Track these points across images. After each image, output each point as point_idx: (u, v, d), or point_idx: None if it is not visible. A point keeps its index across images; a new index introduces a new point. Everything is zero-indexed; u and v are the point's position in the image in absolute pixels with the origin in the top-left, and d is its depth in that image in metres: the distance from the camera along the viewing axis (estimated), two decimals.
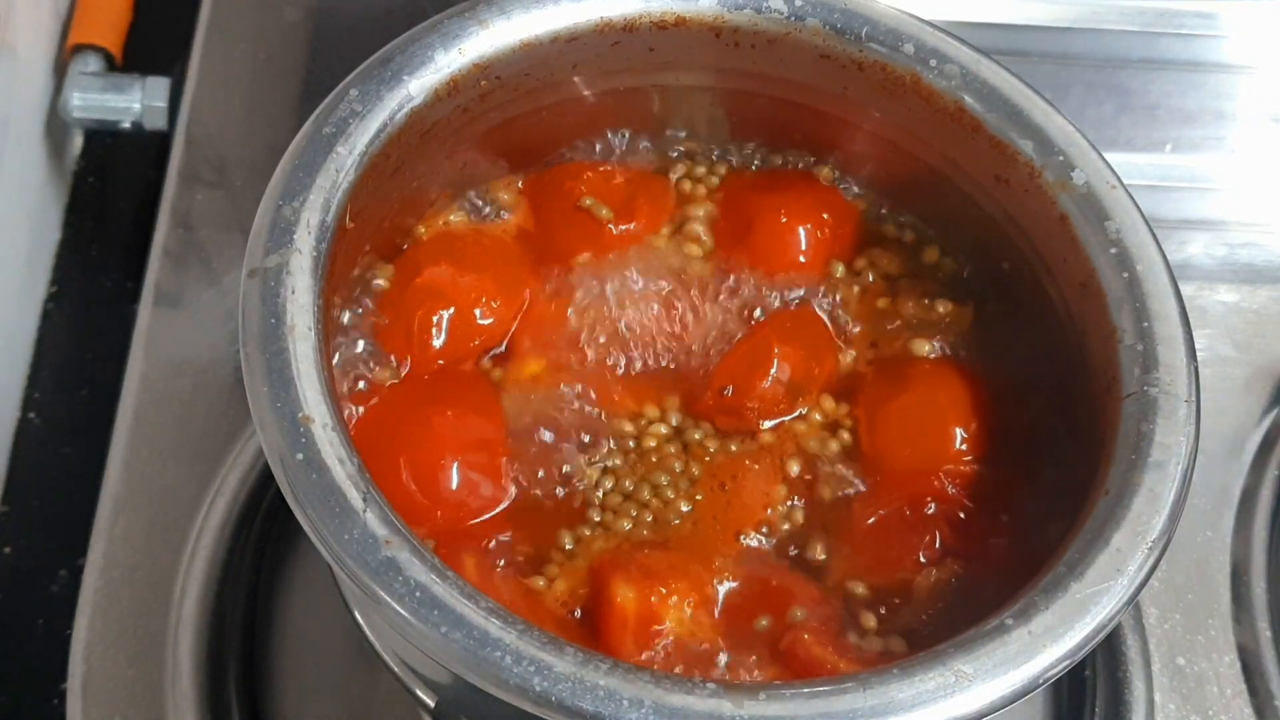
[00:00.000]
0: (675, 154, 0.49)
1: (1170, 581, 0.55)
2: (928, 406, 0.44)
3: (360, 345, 0.43)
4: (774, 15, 0.44)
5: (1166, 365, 0.39)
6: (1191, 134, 0.65)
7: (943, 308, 0.47)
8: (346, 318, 0.43)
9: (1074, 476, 0.40)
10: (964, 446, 0.43)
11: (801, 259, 0.47)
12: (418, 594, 0.33)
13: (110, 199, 0.69)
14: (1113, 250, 0.41)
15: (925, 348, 0.46)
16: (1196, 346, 0.40)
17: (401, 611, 0.33)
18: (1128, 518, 0.36)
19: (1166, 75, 0.65)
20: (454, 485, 0.41)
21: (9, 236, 0.62)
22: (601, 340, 0.45)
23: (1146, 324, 0.39)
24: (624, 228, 0.47)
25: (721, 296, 0.47)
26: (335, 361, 0.42)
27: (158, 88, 0.64)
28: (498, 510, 0.42)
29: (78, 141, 0.70)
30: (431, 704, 0.42)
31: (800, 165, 0.49)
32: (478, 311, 0.44)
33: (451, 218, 0.47)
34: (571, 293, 0.46)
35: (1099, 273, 0.41)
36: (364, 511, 0.34)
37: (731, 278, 0.47)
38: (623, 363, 0.45)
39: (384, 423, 0.41)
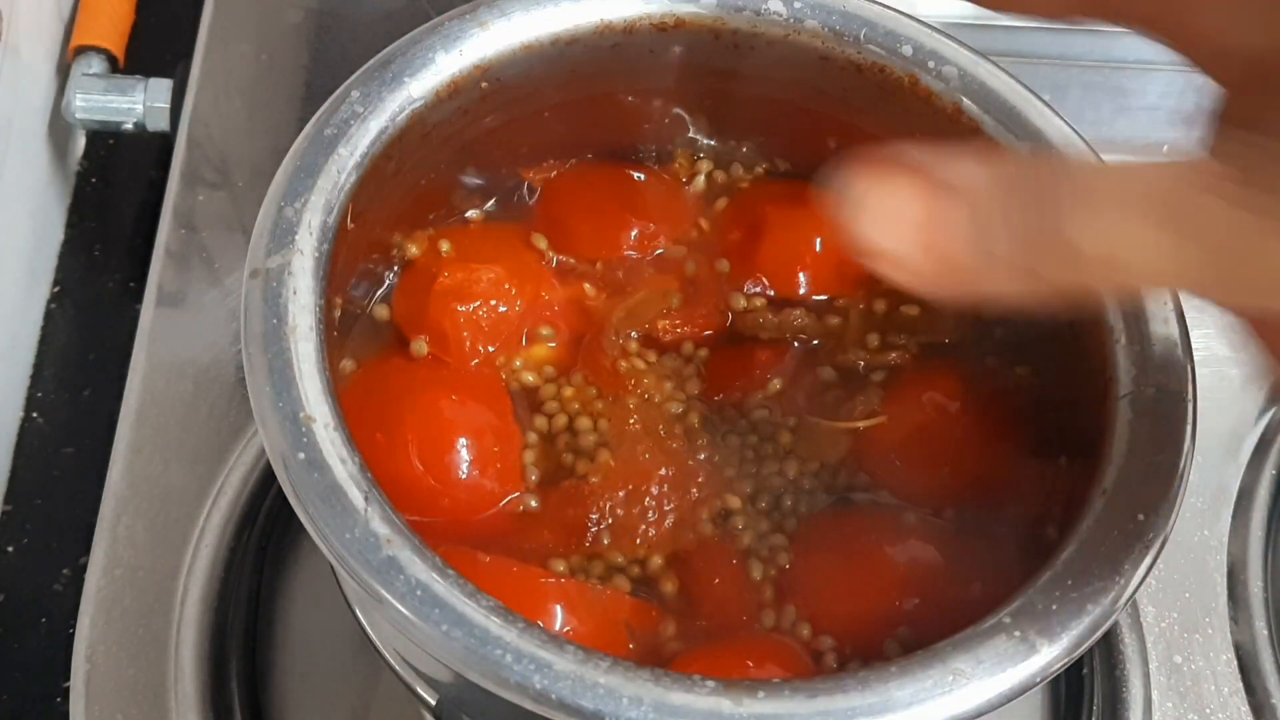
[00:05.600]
0: (675, 157, 0.50)
1: (1167, 580, 0.55)
2: (926, 408, 0.45)
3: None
4: (773, 18, 0.44)
5: (1163, 365, 0.39)
6: (1189, 135, 0.65)
7: (938, 307, 0.47)
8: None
9: (1071, 475, 0.40)
10: (960, 450, 0.43)
11: (805, 268, 0.47)
12: (419, 593, 0.33)
13: (113, 200, 0.69)
14: None
15: (918, 348, 0.46)
16: (1193, 346, 0.40)
17: (403, 610, 0.33)
18: (1124, 517, 0.36)
19: (1165, 76, 0.65)
20: (465, 469, 0.41)
21: (12, 237, 0.62)
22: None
23: (1143, 324, 0.39)
24: (646, 228, 0.47)
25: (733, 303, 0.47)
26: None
27: (160, 89, 0.64)
28: (508, 501, 0.42)
29: (80, 142, 0.70)
30: (432, 702, 0.43)
31: (803, 169, 0.50)
32: (498, 304, 0.44)
33: (461, 216, 0.48)
34: (586, 290, 0.47)
35: None
36: (365, 510, 0.34)
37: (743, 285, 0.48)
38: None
39: (390, 405, 0.42)
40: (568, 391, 0.45)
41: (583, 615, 0.39)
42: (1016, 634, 0.34)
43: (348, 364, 0.44)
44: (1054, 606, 0.35)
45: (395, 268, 0.46)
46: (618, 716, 0.32)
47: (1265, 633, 0.54)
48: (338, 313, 0.42)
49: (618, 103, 0.47)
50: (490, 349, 0.44)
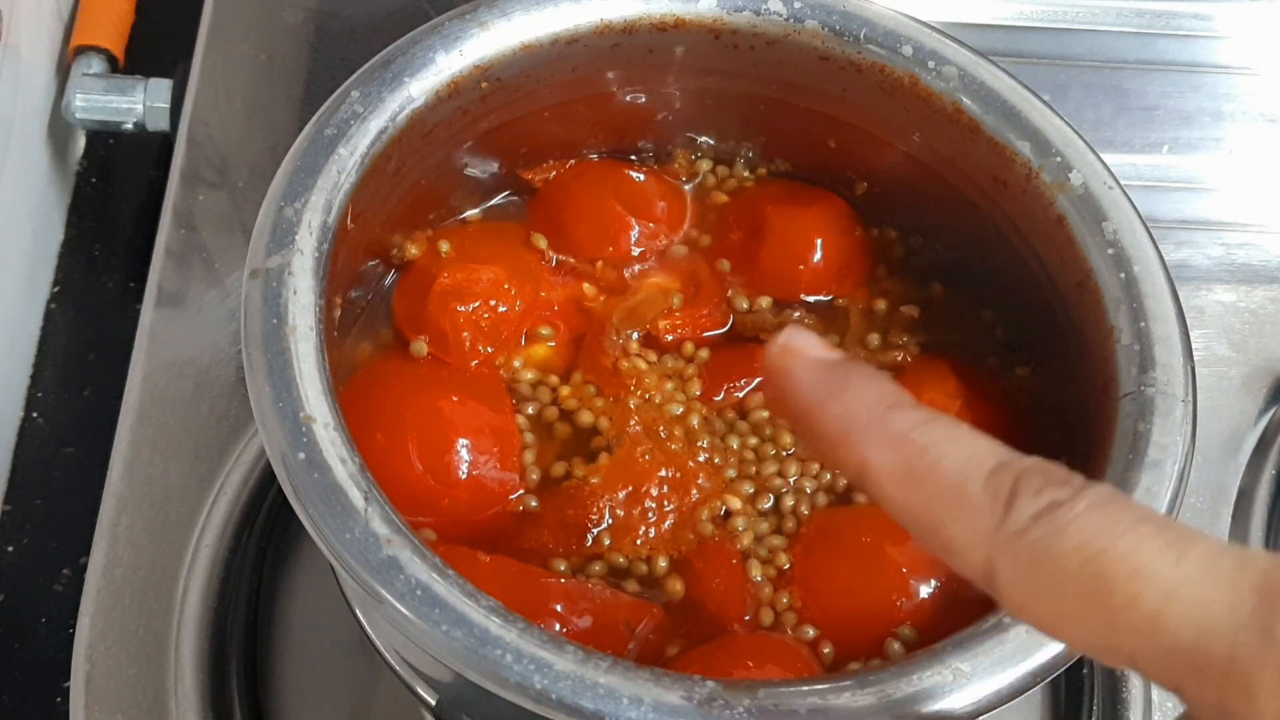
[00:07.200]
0: (675, 157, 0.50)
1: None
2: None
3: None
4: (773, 17, 0.44)
5: (1163, 365, 0.39)
6: (1189, 135, 0.65)
7: (939, 308, 0.47)
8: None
9: None
10: None
11: (807, 269, 0.47)
12: (419, 592, 0.33)
13: (113, 200, 0.69)
14: (1110, 251, 0.41)
15: (919, 348, 0.46)
16: (1193, 346, 0.40)
17: (402, 610, 0.33)
18: None
19: (1164, 76, 0.65)
20: (465, 469, 0.41)
21: (12, 237, 0.62)
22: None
23: (1143, 324, 0.39)
24: (645, 228, 0.48)
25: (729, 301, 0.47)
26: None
27: (160, 89, 0.64)
28: (508, 501, 0.42)
29: (80, 142, 0.70)
30: (432, 702, 0.43)
31: (803, 169, 0.50)
32: (497, 304, 0.44)
33: (460, 216, 0.48)
34: (586, 290, 0.47)
35: (1096, 273, 0.41)
36: (365, 510, 0.34)
37: (742, 288, 0.48)
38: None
39: (390, 405, 0.42)
40: (567, 391, 0.45)
41: (583, 615, 0.39)
42: (1017, 633, 0.34)
43: (366, 347, 0.44)
44: None
45: (395, 268, 0.46)
46: (618, 716, 0.32)
47: None
48: (338, 313, 0.42)
49: (618, 103, 0.47)
50: (490, 349, 0.44)
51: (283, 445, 0.35)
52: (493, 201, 0.48)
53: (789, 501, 0.43)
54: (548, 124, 0.47)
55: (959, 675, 0.33)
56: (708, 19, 0.44)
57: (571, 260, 0.47)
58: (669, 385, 0.45)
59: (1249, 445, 0.58)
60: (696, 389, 0.45)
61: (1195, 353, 0.40)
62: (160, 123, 0.64)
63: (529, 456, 0.43)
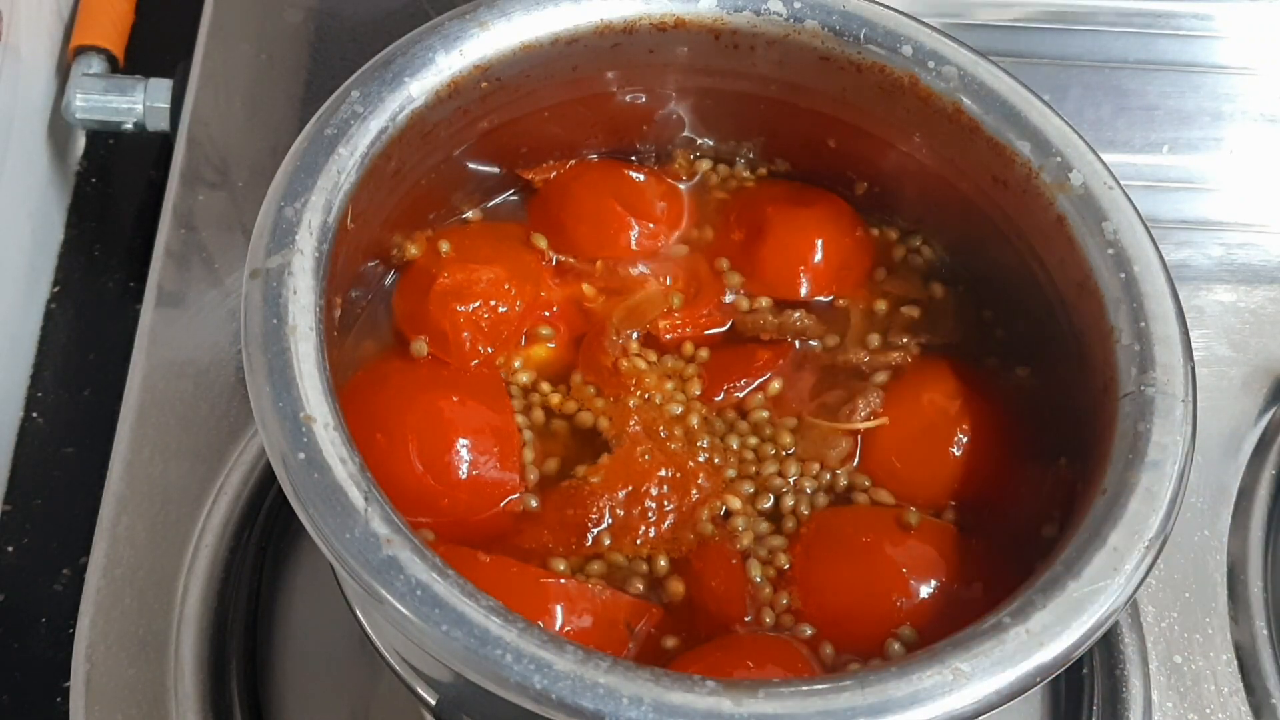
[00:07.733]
0: (675, 157, 0.50)
1: (1167, 580, 0.55)
2: (927, 409, 0.45)
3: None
4: (773, 17, 0.44)
5: (1163, 365, 0.39)
6: (1189, 135, 0.65)
7: (939, 308, 0.47)
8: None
9: (1071, 475, 0.40)
10: (961, 451, 0.43)
11: (807, 269, 0.47)
12: (419, 592, 0.33)
13: (113, 200, 0.70)
14: (1110, 251, 0.41)
15: (919, 349, 0.46)
16: (1193, 346, 0.40)
17: (402, 610, 0.33)
18: (1125, 517, 0.36)
19: (1164, 76, 0.66)
20: (465, 469, 0.41)
21: (12, 237, 0.62)
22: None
23: (1143, 324, 0.39)
24: (645, 228, 0.48)
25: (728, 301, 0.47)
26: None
27: (160, 89, 0.64)
28: (508, 501, 0.42)
29: (80, 142, 0.70)
30: (432, 702, 0.43)
31: (803, 169, 0.50)
32: (497, 304, 0.44)
33: (460, 216, 0.48)
34: (585, 290, 0.47)
35: (1096, 273, 0.41)
36: (365, 510, 0.34)
37: (740, 287, 0.48)
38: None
39: (390, 405, 0.42)
40: (567, 392, 0.45)
41: (583, 615, 0.39)
42: (1016, 634, 0.34)
43: (366, 346, 0.44)
44: (1054, 606, 0.35)
45: (395, 268, 0.46)
46: (618, 716, 0.32)
47: (1265, 632, 0.54)
48: (338, 313, 0.42)
49: (617, 103, 0.47)
50: (490, 349, 0.44)
51: (283, 445, 0.35)
52: (493, 201, 0.48)
53: (789, 501, 0.43)
54: (548, 124, 0.47)
55: (959, 675, 0.33)
56: (708, 19, 0.44)
57: (571, 260, 0.47)
58: (669, 385, 0.45)
59: (1249, 445, 0.58)
60: (696, 389, 0.45)
61: (1195, 353, 0.40)
62: (160, 123, 0.64)
63: (529, 456, 0.43)
